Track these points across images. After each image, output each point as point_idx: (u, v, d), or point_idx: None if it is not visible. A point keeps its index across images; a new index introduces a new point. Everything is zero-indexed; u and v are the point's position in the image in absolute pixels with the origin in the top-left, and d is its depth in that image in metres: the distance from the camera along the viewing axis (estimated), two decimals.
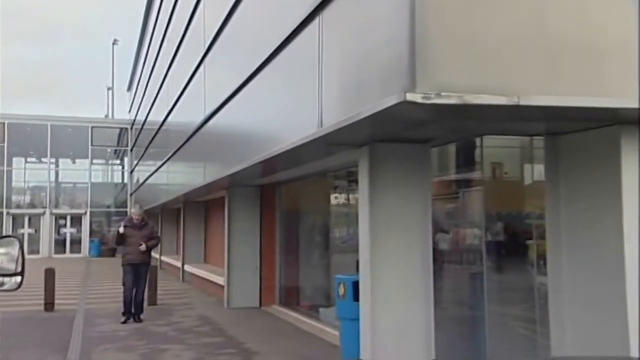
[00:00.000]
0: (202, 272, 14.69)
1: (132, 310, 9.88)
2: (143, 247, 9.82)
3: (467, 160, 5.97)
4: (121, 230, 9.90)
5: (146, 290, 10.46)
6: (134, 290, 9.94)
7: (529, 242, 5.53)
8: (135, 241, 9.81)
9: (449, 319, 6.01)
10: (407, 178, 5.64)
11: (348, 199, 9.33)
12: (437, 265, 5.77)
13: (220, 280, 12.25)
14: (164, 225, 22.58)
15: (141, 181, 26.37)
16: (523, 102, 3.70)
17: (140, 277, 9.97)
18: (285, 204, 11.59)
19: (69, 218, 32.72)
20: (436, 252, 5.76)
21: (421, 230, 5.64)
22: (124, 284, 9.84)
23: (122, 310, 9.94)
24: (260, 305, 11.51)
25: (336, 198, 9.77)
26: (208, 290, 14.25)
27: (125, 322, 9.63)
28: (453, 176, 6.45)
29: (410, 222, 5.63)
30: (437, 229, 5.98)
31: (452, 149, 6.15)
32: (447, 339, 5.77)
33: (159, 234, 11.09)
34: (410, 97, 3.58)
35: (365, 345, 5.65)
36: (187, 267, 16.42)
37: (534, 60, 3.79)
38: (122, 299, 10.02)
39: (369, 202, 5.61)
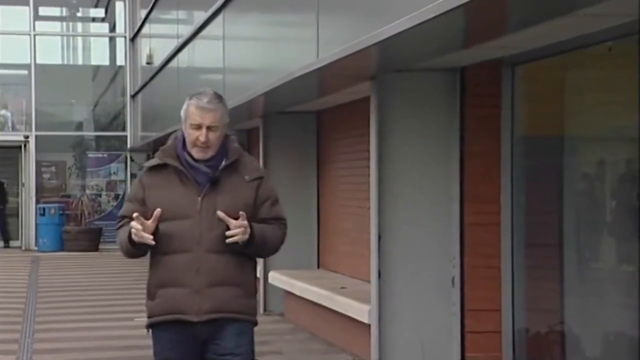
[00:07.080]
0: (306, 287, 15.51)
1: None
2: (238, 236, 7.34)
3: None
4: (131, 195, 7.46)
5: None
6: None
7: None
8: (191, 229, 7.36)
9: None
10: None
11: None
12: None
13: (361, 313, 12.81)
14: None
15: (156, 62, 27.28)
16: None
17: None
18: (527, 117, 11.84)
19: None
20: None
21: None
22: None
23: None
24: None
25: None
26: (324, 332, 15.00)
27: None
28: None
29: None
30: None
31: None
32: None
33: (281, 207, 8.09)
34: None
35: None
36: (276, 276, 17.14)
37: None
38: None
39: None
